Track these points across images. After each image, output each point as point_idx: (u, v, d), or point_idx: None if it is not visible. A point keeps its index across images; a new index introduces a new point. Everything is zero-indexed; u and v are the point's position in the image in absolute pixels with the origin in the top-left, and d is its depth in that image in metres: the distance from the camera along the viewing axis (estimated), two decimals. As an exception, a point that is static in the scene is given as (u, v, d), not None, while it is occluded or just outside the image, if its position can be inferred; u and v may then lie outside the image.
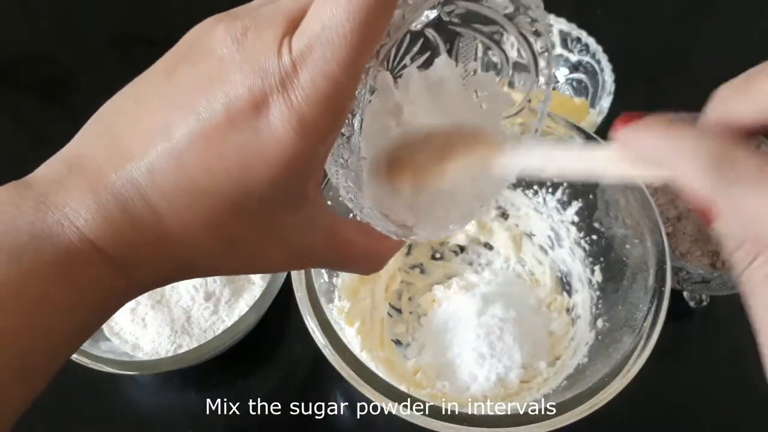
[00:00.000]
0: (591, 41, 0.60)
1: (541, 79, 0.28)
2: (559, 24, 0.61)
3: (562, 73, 0.63)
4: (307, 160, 0.21)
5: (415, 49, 0.27)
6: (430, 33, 0.27)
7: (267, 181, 0.21)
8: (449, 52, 0.28)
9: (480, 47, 0.29)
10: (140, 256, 0.22)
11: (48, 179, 0.21)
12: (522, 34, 0.27)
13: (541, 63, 0.28)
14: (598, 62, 0.59)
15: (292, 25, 0.20)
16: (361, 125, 0.22)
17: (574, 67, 0.62)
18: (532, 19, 0.26)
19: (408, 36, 0.26)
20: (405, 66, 0.27)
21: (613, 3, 0.78)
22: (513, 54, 0.28)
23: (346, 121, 0.22)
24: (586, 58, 0.60)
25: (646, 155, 0.21)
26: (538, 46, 0.27)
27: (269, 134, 0.20)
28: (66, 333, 0.22)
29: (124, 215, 0.21)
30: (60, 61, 0.72)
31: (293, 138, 0.20)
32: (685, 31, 0.76)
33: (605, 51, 0.59)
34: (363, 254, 0.27)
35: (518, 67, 0.29)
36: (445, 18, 0.27)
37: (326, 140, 0.21)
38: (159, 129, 0.21)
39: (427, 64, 0.28)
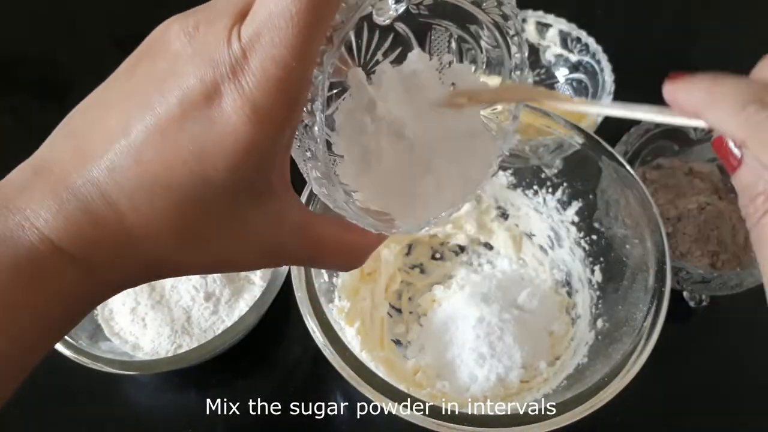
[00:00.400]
0: (591, 41, 0.60)
1: (515, 63, 0.28)
2: (559, 24, 0.61)
3: (562, 73, 0.63)
4: (264, 148, 0.21)
5: (387, 44, 0.27)
6: (401, 27, 0.27)
7: (225, 170, 0.21)
8: (422, 46, 0.28)
9: (453, 38, 0.28)
10: (103, 255, 0.22)
11: (14, 184, 0.22)
12: (492, 20, 0.27)
13: (513, 48, 0.28)
14: (598, 62, 0.59)
15: (242, 15, 0.20)
16: (323, 112, 0.22)
17: (574, 67, 0.62)
18: (499, 2, 0.26)
19: (378, 31, 0.26)
20: (378, 62, 0.27)
21: (613, 3, 0.78)
22: (485, 43, 0.28)
23: (306, 109, 0.22)
24: (586, 58, 0.60)
25: (690, 105, 0.23)
26: (508, 30, 0.27)
27: (223, 123, 0.20)
28: (33, 335, 0.22)
29: (86, 215, 0.21)
30: (60, 61, 0.72)
31: (247, 125, 0.20)
32: (685, 31, 0.76)
33: (605, 51, 0.59)
34: (339, 249, 0.27)
35: (491, 53, 0.29)
36: (414, 10, 0.26)
37: (282, 128, 0.21)
38: (118, 127, 0.21)
39: (400, 59, 0.28)
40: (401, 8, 0.26)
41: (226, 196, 0.21)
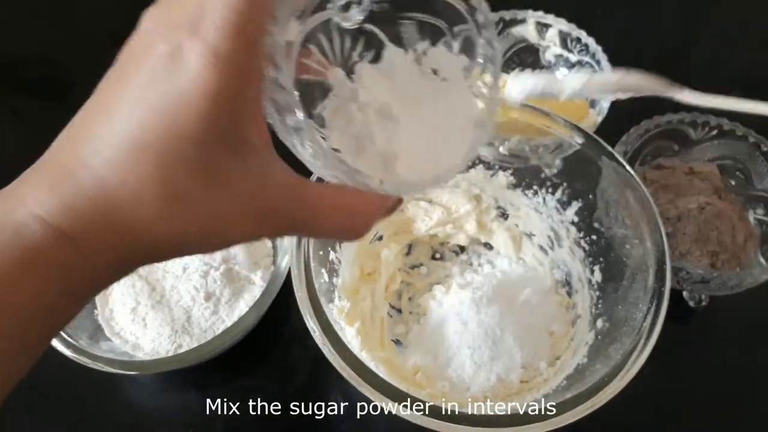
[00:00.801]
0: (591, 41, 0.60)
1: (479, 23, 0.29)
2: (558, 24, 0.61)
3: (561, 73, 0.63)
4: (230, 95, 0.22)
5: (360, 46, 0.28)
6: (369, 28, 0.28)
7: (196, 122, 0.21)
8: (395, 42, 0.29)
9: (422, 26, 0.29)
10: (95, 230, 0.22)
11: (18, 180, 0.23)
12: None
13: (479, 17, 0.29)
14: (598, 62, 0.59)
15: None
16: (287, 64, 0.23)
17: (574, 67, 0.62)
18: None
19: (349, 36, 0.28)
20: (356, 63, 0.28)
21: (613, 3, 0.78)
22: (452, 20, 0.29)
23: (270, 61, 0.23)
24: (586, 58, 0.60)
25: None
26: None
27: (188, 73, 0.21)
28: (32, 314, 0.22)
29: (75, 189, 0.22)
30: (60, 61, 0.72)
31: (211, 71, 0.21)
32: (684, 31, 0.76)
33: (605, 51, 0.59)
34: (336, 212, 0.26)
35: (460, 30, 0.30)
36: (377, 9, 0.28)
37: (245, 73, 0.22)
38: (101, 107, 0.23)
39: (377, 59, 0.29)
40: (363, 15, 0.27)
41: (202, 150, 0.22)
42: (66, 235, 0.22)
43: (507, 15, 0.62)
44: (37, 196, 0.22)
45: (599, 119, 0.56)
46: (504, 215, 0.55)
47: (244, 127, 0.23)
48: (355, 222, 0.27)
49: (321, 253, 0.44)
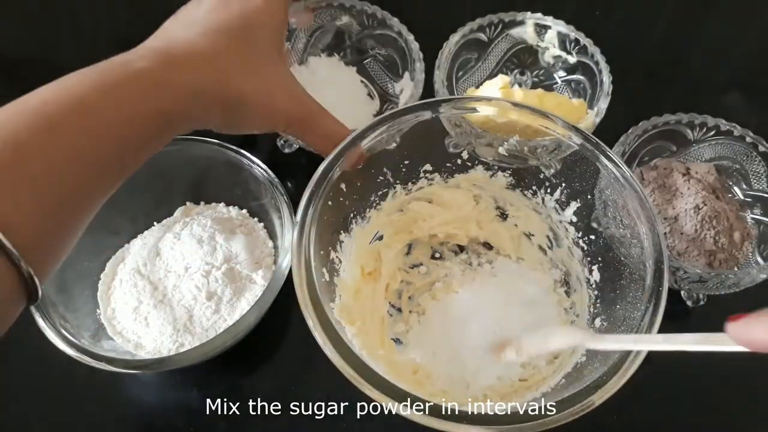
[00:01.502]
0: (589, 42, 0.60)
1: None
2: (557, 25, 0.61)
3: (560, 75, 0.64)
4: (275, 9, 0.41)
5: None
6: None
7: (238, 15, 0.39)
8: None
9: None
10: (181, 55, 0.36)
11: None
12: None
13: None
14: (597, 64, 0.59)
15: None
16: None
17: (573, 69, 0.62)
18: None
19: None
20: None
21: (612, 4, 0.78)
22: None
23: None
24: (585, 60, 0.61)
25: (756, 344, 0.28)
26: None
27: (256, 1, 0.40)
28: (139, 120, 0.34)
29: (171, 43, 0.37)
30: (60, 61, 0.72)
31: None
32: (683, 32, 0.76)
33: (603, 52, 0.59)
34: (323, 126, 0.42)
35: None
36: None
37: (285, 8, 0.42)
38: (182, 15, 0.41)
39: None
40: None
41: (238, 30, 0.38)
42: (160, 51, 0.36)
43: (506, 17, 0.62)
44: (143, 53, 0.36)
45: (597, 120, 0.56)
46: (503, 215, 0.56)
47: (276, 33, 0.40)
48: (333, 140, 0.43)
49: (322, 252, 0.44)
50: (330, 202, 0.44)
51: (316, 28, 0.64)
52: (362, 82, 0.65)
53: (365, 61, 0.65)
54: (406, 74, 0.62)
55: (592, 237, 0.50)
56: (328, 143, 0.42)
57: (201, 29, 0.37)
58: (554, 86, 0.64)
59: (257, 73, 0.38)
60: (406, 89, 0.61)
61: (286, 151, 0.61)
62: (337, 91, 0.62)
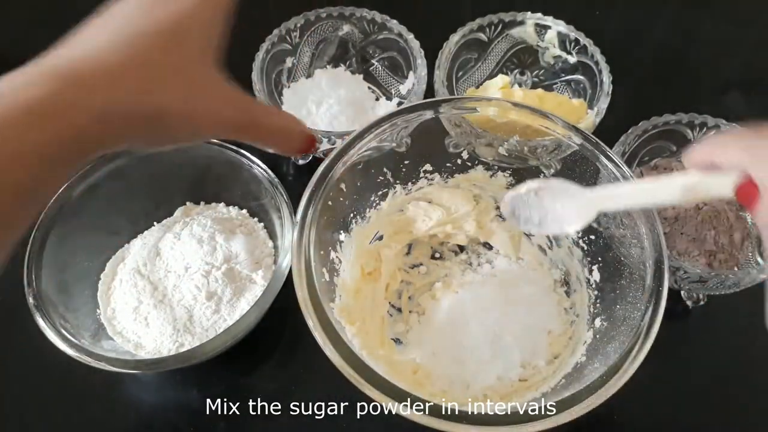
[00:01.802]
0: (589, 42, 0.60)
1: None
2: (557, 26, 0.61)
3: (560, 75, 0.64)
4: (208, 20, 0.34)
5: None
6: None
7: (165, 19, 0.33)
8: None
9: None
10: (90, 76, 0.30)
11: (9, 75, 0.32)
12: None
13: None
14: (596, 64, 0.59)
15: None
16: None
17: (573, 69, 0.62)
18: None
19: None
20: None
21: (612, 4, 0.78)
22: None
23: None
24: (585, 60, 0.61)
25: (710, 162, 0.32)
26: None
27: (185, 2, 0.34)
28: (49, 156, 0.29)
29: (75, 60, 0.32)
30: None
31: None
32: (683, 32, 0.76)
33: (603, 52, 0.59)
34: (273, 121, 0.37)
35: None
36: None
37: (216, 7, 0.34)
38: (91, 27, 0.34)
39: None
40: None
41: (189, 39, 0.33)
42: (66, 76, 0.30)
43: (506, 17, 0.62)
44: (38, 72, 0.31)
45: (597, 120, 0.56)
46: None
47: (207, 37, 0.34)
48: (290, 134, 0.38)
49: (322, 252, 0.44)
50: (330, 202, 0.44)
51: (319, 40, 0.64)
52: (370, 88, 0.65)
53: (371, 68, 0.66)
54: (411, 74, 0.62)
55: (593, 237, 0.50)
56: (284, 140, 0.38)
57: (119, 37, 0.32)
58: (554, 86, 0.64)
59: (186, 82, 0.33)
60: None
61: (286, 151, 0.61)
62: (346, 100, 0.62)
